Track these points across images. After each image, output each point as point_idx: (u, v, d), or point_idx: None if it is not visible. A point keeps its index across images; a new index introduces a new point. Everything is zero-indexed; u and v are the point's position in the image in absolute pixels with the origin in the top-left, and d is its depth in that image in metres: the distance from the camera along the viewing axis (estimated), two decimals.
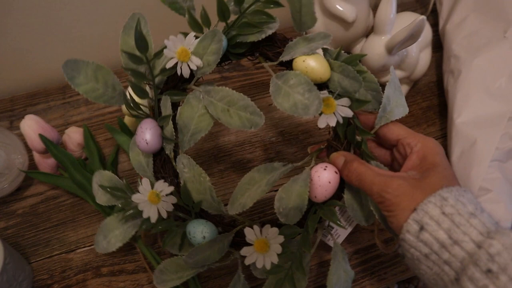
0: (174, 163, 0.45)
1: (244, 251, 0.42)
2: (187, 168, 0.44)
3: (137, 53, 0.40)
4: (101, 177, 0.48)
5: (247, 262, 0.42)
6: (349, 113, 0.41)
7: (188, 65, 0.42)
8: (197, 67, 0.42)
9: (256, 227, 0.42)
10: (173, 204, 0.43)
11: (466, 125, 0.59)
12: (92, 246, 0.55)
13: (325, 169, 0.42)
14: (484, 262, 0.30)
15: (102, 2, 0.67)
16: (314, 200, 0.42)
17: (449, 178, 0.37)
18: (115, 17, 0.70)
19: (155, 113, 0.45)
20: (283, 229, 0.43)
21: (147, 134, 0.43)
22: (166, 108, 0.44)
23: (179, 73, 0.42)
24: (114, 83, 0.42)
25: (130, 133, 0.58)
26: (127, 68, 0.41)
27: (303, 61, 0.41)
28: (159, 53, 0.43)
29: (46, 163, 0.57)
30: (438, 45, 0.74)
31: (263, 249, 0.41)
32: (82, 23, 0.69)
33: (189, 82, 0.44)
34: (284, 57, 0.42)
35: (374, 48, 0.59)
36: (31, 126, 0.55)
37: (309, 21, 0.41)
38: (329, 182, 0.41)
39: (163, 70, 0.43)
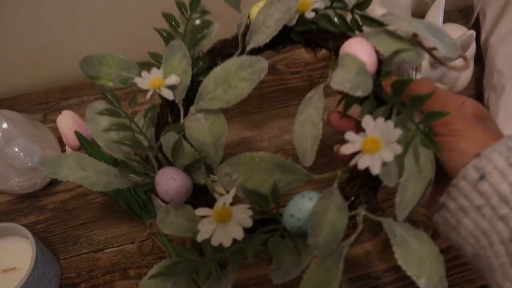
0: (217, 193, 0.38)
1: (362, 160, 0.32)
2: (234, 173, 0.37)
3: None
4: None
5: (363, 164, 0.31)
6: None
7: (166, 86, 0.40)
8: (177, 82, 0.40)
9: (350, 133, 0.33)
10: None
11: None
12: (120, 247, 0.55)
13: (348, 40, 0.36)
14: None
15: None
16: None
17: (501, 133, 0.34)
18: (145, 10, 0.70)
19: (162, 164, 0.39)
20: (374, 114, 0.34)
21: (172, 174, 0.37)
22: (169, 141, 0.38)
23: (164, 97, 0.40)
24: (105, 169, 0.41)
25: None
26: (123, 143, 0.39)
27: (257, 6, 0.40)
28: (133, 100, 0.40)
29: None
30: (478, 58, 0.72)
31: (376, 146, 0.32)
32: (115, 18, 0.69)
33: (177, 115, 0.41)
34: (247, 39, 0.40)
35: None
36: (67, 122, 0.55)
37: None
38: (361, 42, 0.36)
39: (146, 112, 0.40)
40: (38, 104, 0.69)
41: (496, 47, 0.67)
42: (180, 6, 0.43)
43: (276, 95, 0.68)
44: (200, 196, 0.38)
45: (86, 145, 0.55)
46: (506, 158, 0.29)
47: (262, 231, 0.34)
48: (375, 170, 0.31)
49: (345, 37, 0.39)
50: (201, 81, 0.40)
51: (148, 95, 0.40)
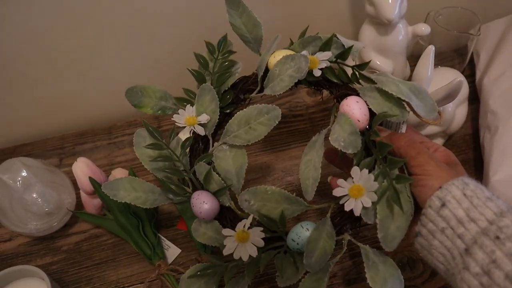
0: (237, 211, 0.47)
1: (348, 203, 0.41)
2: (252, 200, 0.46)
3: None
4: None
5: (348, 207, 0.41)
6: (328, 55, 0.46)
7: (199, 124, 0.48)
8: (207, 121, 0.48)
9: (341, 180, 0.42)
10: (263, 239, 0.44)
11: (502, 184, 0.59)
12: (131, 287, 0.57)
13: (346, 99, 0.44)
14: (493, 232, 0.34)
15: (137, 52, 0.72)
16: (358, 124, 0.43)
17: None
18: (151, 64, 0.75)
19: (195, 186, 0.48)
20: (361, 165, 0.42)
21: (204, 199, 0.46)
22: (202, 170, 0.47)
23: (196, 133, 0.48)
24: (151, 188, 0.49)
25: None
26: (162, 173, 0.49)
27: (274, 57, 0.47)
28: (172, 134, 0.49)
29: (92, 203, 0.61)
30: (474, 96, 0.75)
31: (359, 192, 0.41)
32: (122, 71, 0.74)
33: (206, 145, 0.50)
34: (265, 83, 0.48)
35: None
36: (82, 168, 0.59)
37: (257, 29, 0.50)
38: (357, 102, 0.43)
39: (183, 144, 0.48)
40: (54, 149, 0.73)
41: (489, 88, 0.70)
42: (209, 46, 0.51)
43: (279, 138, 0.71)
44: (225, 214, 0.48)
45: (100, 190, 0.58)
46: (461, 190, 0.37)
47: (271, 247, 0.45)
48: (357, 212, 0.41)
49: (346, 87, 0.47)
50: (227, 113, 0.50)
51: (185, 132, 0.48)
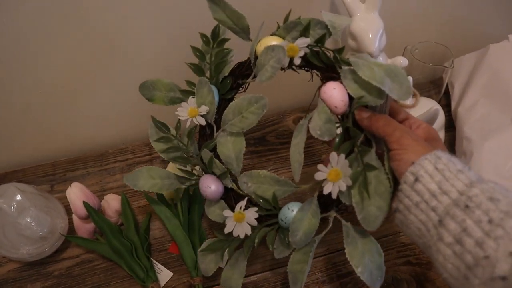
0: (239, 191, 0.54)
1: (326, 187, 0.44)
2: (249, 182, 0.52)
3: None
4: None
5: (326, 190, 0.44)
6: (306, 41, 0.48)
7: (200, 114, 0.53)
8: (206, 111, 0.53)
9: (321, 165, 0.45)
10: (257, 219, 0.50)
11: None
12: None
13: (324, 85, 0.46)
14: (463, 201, 0.36)
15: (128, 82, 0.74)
16: (336, 110, 0.45)
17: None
18: None
19: (204, 170, 0.55)
20: (339, 150, 0.45)
21: (209, 183, 0.52)
22: (207, 156, 0.53)
23: (197, 123, 0.54)
24: (167, 174, 0.56)
25: (166, 202, 0.63)
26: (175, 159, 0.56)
27: (259, 45, 0.51)
28: (178, 126, 0.55)
29: (84, 228, 0.62)
30: (451, 124, 0.79)
31: (336, 176, 0.44)
32: (114, 100, 0.76)
33: (212, 131, 0.55)
34: (255, 71, 0.52)
35: None
36: (76, 193, 0.60)
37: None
38: (334, 88, 0.45)
39: (188, 134, 0.54)
40: (45, 175, 0.74)
41: (464, 116, 0.75)
42: (203, 37, 0.56)
43: (267, 165, 0.74)
44: (230, 194, 0.55)
45: (94, 214, 0.59)
46: (434, 164, 0.38)
47: (265, 224, 0.51)
48: (334, 195, 0.44)
49: (332, 69, 0.48)
50: (228, 99, 0.55)
51: (188, 123, 0.53)
